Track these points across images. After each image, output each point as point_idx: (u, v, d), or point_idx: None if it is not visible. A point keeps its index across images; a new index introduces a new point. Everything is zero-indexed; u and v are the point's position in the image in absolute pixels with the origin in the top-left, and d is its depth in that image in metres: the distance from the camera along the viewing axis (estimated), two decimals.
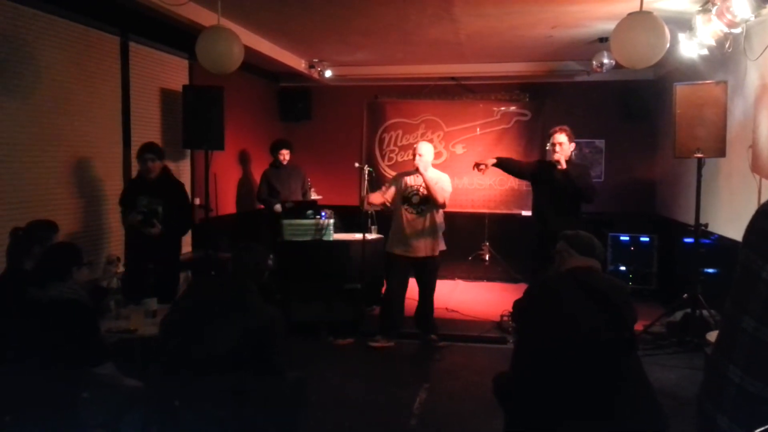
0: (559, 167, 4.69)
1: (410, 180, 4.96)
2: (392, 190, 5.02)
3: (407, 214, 4.90)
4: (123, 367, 2.83)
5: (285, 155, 6.57)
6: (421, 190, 4.88)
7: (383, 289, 5.23)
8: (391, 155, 7.67)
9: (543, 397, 2.45)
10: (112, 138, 4.81)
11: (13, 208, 3.82)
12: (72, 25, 4.33)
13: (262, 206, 6.75)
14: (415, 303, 5.08)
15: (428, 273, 4.98)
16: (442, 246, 5.01)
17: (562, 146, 4.72)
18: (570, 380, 2.41)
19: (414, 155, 4.90)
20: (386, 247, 5.05)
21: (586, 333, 2.48)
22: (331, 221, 5.51)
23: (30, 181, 3.99)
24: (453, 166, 7.65)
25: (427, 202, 4.87)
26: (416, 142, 7.75)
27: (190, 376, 2.47)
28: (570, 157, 4.82)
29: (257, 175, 7.51)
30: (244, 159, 7.20)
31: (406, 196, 4.93)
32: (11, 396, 2.40)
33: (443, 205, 4.90)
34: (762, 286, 1.00)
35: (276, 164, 6.61)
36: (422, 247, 4.87)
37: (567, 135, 4.75)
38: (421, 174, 4.82)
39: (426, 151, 4.89)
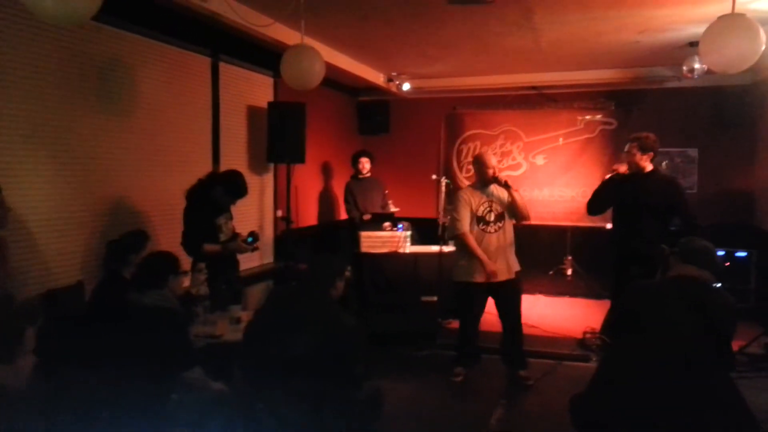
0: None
1: (479, 195, 4.41)
2: (467, 213, 4.37)
3: (484, 234, 4.36)
4: (209, 370, 2.96)
5: (365, 164, 6.60)
6: (494, 205, 4.38)
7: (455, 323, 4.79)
8: (469, 167, 7.59)
9: (627, 411, 2.35)
10: (203, 155, 5.08)
11: (115, 225, 4.05)
12: (168, 48, 4.62)
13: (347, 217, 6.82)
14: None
15: (512, 296, 4.44)
16: (517, 265, 4.51)
17: (632, 156, 4.39)
18: (659, 394, 2.30)
19: (485, 167, 4.35)
20: (457, 277, 4.44)
21: (681, 345, 2.36)
22: (408, 233, 5.55)
23: (128, 200, 4.24)
24: (533, 177, 7.52)
25: (503, 217, 4.41)
26: (495, 153, 7.75)
27: (271, 382, 2.55)
28: (656, 167, 4.47)
29: (337, 188, 7.67)
30: (324, 172, 7.39)
31: (480, 216, 4.38)
32: (108, 394, 2.56)
33: (529, 218, 4.44)
34: None
35: (357, 175, 6.69)
36: (504, 269, 4.35)
37: (638, 146, 4.37)
38: (510, 186, 4.32)
39: (496, 161, 4.49)
